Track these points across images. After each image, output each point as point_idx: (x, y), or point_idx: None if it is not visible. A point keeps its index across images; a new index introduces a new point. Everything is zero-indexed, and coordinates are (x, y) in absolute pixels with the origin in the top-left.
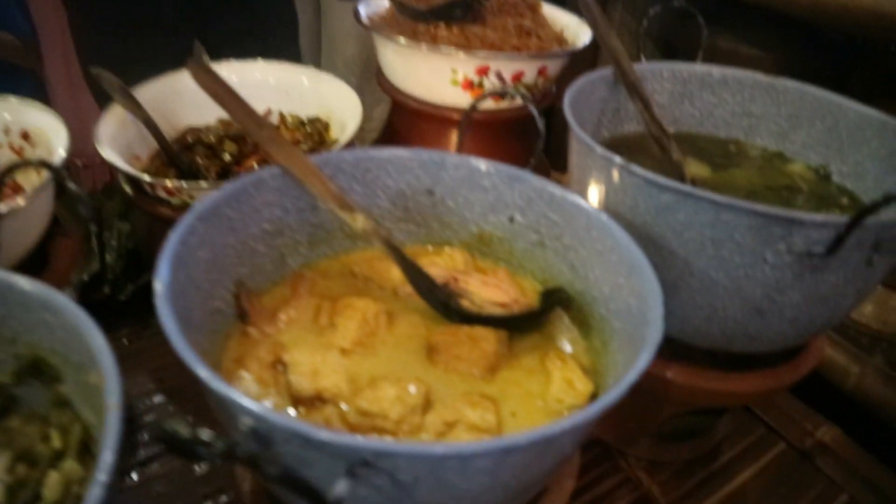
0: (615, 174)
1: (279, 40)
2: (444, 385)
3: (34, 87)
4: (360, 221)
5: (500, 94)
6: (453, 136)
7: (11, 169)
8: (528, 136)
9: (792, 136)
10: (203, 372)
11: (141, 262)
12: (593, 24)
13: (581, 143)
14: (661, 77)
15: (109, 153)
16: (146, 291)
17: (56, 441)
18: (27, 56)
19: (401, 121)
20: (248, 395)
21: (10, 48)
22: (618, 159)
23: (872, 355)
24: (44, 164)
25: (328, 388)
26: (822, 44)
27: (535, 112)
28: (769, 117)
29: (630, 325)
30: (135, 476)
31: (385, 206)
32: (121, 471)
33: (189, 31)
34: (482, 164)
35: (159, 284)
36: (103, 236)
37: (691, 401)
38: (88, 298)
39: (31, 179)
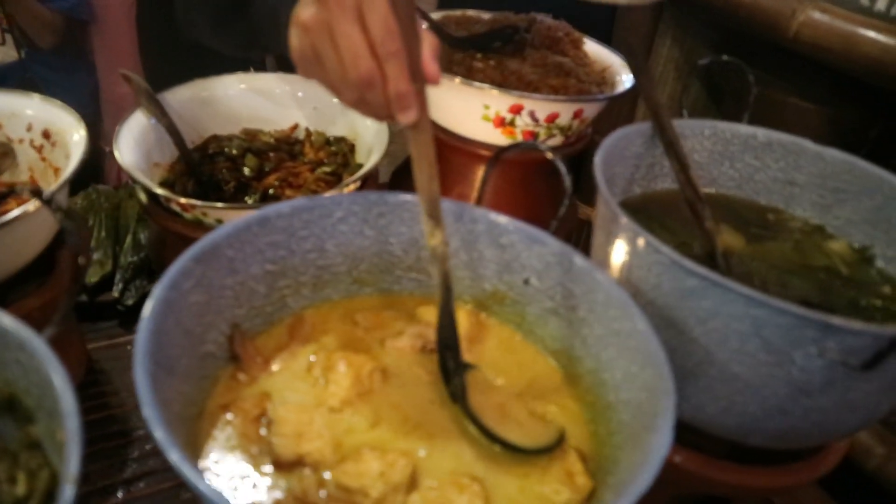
0: (640, 248)
1: None
2: (432, 461)
3: (87, 71)
4: (437, 239)
5: (529, 148)
6: (480, 172)
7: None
8: (558, 179)
9: (836, 211)
10: (174, 456)
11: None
12: (636, 73)
13: (607, 207)
14: (701, 135)
15: (127, 159)
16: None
17: (21, 486)
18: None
19: None
20: (228, 451)
21: (45, 23)
22: (644, 234)
23: None
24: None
25: (311, 454)
26: (879, 102)
27: (562, 168)
28: (813, 188)
29: (638, 422)
30: (120, 494)
31: (397, 253)
32: (107, 489)
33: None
34: (502, 220)
35: (140, 336)
36: (118, 237)
37: (698, 489)
38: (96, 300)
39: (48, 178)
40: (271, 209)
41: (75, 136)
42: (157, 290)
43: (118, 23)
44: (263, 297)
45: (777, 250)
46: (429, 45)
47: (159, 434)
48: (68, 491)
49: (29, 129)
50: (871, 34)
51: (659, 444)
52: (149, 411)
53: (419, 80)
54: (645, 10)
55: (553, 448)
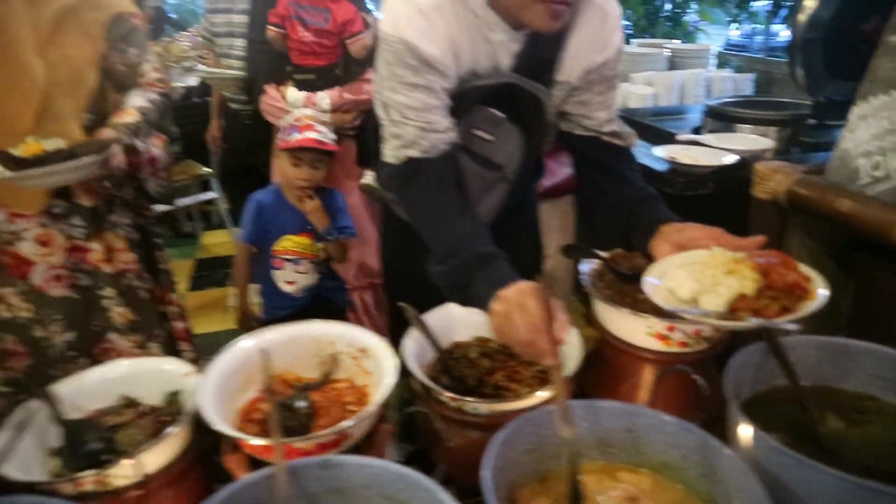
0: (756, 436)
1: (526, 262)
2: None
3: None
4: (568, 433)
5: (683, 371)
6: (647, 369)
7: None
8: (708, 375)
9: None
10: None
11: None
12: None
13: (734, 412)
14: (807, 345)
15: (413, 369)
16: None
17: None
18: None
19: (606, 352)
20: None
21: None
22: (756, 429)
23: None
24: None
25: None
26: None
27: (699, 381)
28: None
29: None
30: None
31: (600, 436)
32: None
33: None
34: (666, 418)
35: (487, 487)
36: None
37: None
38: None
39: (360, 377)
40: (531, 415)
41: (385, 355)
42: (487, 460)
43: (368, 231)
44: (525, 464)
45: (872, 433)
46: (560, 322)
47: None
48: None
49: (349, 345)
50: None
51: None
52: None
53: (555, 342)
54: (772, 216)
55: None
